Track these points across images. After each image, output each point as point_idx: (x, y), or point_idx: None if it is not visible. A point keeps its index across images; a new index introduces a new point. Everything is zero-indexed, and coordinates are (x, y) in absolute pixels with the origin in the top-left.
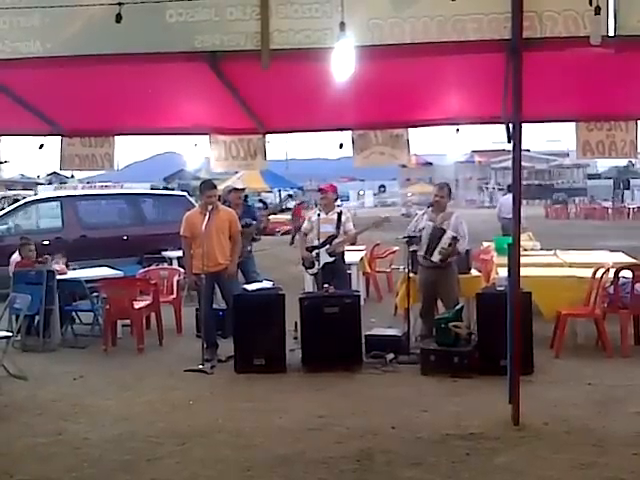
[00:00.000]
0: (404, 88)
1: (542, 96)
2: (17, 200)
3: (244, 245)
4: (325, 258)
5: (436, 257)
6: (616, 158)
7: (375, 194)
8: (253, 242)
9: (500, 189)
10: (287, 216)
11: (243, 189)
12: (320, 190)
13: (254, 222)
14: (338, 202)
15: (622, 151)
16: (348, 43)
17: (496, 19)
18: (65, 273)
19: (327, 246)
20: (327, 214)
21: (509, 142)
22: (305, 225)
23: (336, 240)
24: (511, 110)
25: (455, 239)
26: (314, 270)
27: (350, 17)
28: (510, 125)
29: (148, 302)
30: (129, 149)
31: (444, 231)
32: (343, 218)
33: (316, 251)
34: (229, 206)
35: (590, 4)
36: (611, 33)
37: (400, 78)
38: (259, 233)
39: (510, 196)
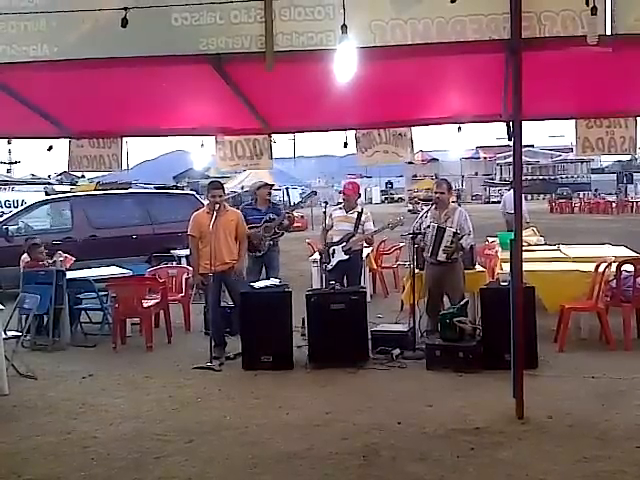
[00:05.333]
0: (406, 88)
1: (542, 94)
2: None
3: (265, 240)
4: (340, 256)
5: (441, 256)
6: (616, 154)
7: (382, 191)
8: (276, 236)
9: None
10: (301, 212)
11: (272, 185)
12: (343, 192)
13: (277, 217)
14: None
15: (622, 147)
16: (350, 45)
17: (495, 19)
18: (70, 262)
19: (343, 244)
20: (347, 212)
21: (510, 140)
22: (327, 221)
23: (353, 239)
24: (511, 108)
25: (456, 235)
26: (329, 267)
27: (352, 19)
28: (511, 123)
29: (157, 300)
30: (139, 148)
31: (444, 230)
32: (363, 217)
33: (333, 247)
34: (256, 201)
35: (587, 4)
36: (608, 32)
37: (402, 78)
38: (282, 228)
39: None
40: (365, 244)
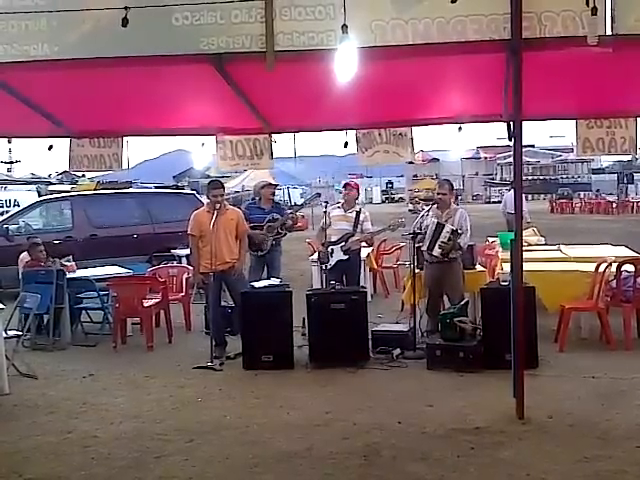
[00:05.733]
0: (407, 88)
1: (542, 95)
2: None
3: (268, 239)
4: (339, 255)
5: (436, 251)
6: (616, 155)
7: (383, 191)
8: (279, 236)
9: None
10: (302, 212)
11: (276, 185)
12: (345, 185)
13: (280, 217)
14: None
15: (622, 148)
16: (351, 45)
17: (496, 20)
18: (74, 270)
19: (342, 243)
20: (346, 212)
21: (510, 140)
22: (324, 220)
23: (352, 238)
24: (512, 108)
25: (454, 232)
26: (328, 266)
27: (352, 19)
28: (511, 123)
29: (157, 300)
30: (140, 147)
31: (444, 226)
32: (361, 217)
33: (331, 247)
34: (260, 200)
35: (587, 4)
36: (609, 32)
37: (402, 78)
38: (285, 229)
39: None
40: (365, 244)
